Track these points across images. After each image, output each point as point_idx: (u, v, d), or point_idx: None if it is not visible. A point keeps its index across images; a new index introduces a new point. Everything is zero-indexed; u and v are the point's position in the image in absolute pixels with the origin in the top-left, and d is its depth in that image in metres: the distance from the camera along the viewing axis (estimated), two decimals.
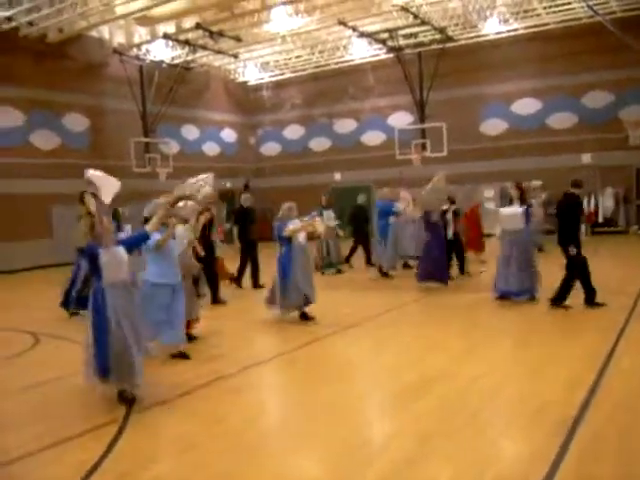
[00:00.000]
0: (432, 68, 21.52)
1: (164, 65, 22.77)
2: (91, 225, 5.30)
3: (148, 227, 5.86)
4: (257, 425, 4.79)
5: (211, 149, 26.92)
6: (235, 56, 23.87)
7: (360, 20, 20.40)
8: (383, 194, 13.94)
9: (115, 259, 5.28)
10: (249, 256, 12.24)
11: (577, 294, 8.59)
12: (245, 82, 27.83)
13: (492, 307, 9.13)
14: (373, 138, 26.01)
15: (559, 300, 8.65)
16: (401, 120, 24.62)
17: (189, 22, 20.73)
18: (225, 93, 27.77)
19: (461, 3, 19.85)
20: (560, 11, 20.66)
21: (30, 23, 18.52)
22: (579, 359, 6.16)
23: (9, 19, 17.83)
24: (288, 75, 26.74)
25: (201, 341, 7.91)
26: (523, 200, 9.34)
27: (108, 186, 5.59)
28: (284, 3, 19.44)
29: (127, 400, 5.30)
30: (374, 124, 25.83)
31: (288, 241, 8.57)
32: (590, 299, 8.62)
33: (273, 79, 27.23)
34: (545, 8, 20.52)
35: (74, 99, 20.84)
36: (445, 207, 11.88)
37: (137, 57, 22.31)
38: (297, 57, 25.38)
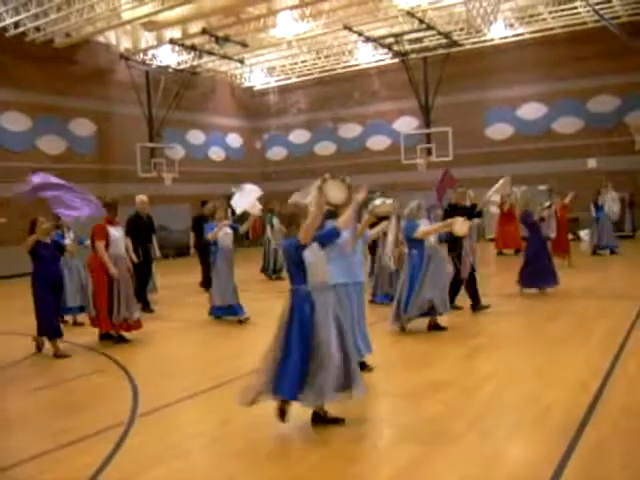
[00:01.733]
0: (437, 73, 21.53)
1: (170, 70, 22.87)
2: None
3: (339, 223, 5.02)
4: (261, 430, 4.77)
5: (217, 154, 26.96)
6: (241, 61, 23.97)
7: (366, 25, 20.44)
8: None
9: (318, 258, 4.71)
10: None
11: (590, 301, 8.55)
12: (251, 87, 27.89)
13: (495, 312, 9.09)
14: (378, 143, 25.98)
15: (475, 305, 9.15)
16: (406, 125, 24.61)
17: (195, 27, 20.86)
18: (231, 98, 27.84)
19: (466, 8, 19.86)
20: (565, 15, 20.62)
21: (37, 28, 18.63)
22: (584, 364, 6.13)
23: (16, 24, 17.95)
24: (294, 80, 26.78)
25: (203, 347, 7.91)
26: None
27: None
28: (290, 8, 19.52)
29: (332, 420, 4.71)
30: (379, 129, 25.81)
31: (419, 243, 7.83)
32: (474, 305, 9.19)
33: (279, 84, 27.30)
34: (550, 13, 20.48)
35: (80, 104, 20.94)
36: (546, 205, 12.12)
37: (143, 62, 22.41)
38: (303, 62, 25.43)
